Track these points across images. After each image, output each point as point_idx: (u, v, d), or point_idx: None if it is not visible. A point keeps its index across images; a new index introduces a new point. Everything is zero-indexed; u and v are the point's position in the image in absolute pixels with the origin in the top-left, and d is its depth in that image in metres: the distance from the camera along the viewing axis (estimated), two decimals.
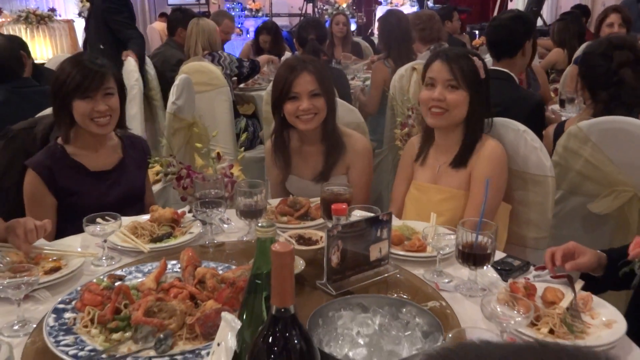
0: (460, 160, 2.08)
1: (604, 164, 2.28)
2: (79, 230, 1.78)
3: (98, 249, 1.73)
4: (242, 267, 1.45)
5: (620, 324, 1.31)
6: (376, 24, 9.39)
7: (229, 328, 0.93)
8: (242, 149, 2.38)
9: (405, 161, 2.28)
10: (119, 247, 1.75)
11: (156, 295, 1.29)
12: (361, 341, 1.09)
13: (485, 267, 1.54)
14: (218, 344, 0.95)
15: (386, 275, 1.58)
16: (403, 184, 2.27)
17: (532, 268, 1.64)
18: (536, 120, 2.72)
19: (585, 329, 1.32)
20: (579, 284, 1.48)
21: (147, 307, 1.24)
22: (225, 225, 1.97)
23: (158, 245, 1.76)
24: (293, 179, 2.35)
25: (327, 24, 5.66)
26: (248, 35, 11.14)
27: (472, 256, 1.50)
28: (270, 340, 0.91)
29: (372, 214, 1.60)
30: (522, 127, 2.18)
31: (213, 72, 3.96)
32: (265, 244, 1.00)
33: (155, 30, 8.86)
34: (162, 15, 9.30)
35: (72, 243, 1.78)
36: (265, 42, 5.67)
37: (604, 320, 1.33)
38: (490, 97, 2.14)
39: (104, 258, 1.69)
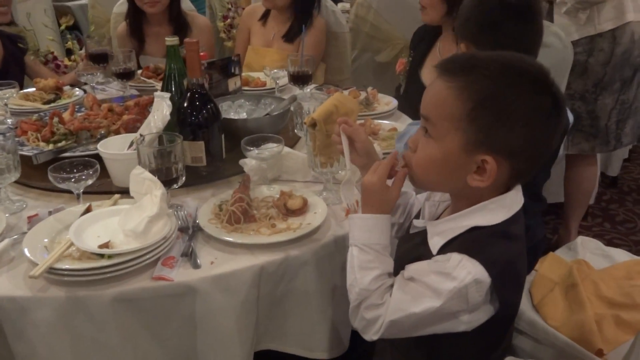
0: (291, 35, 2.69)
1: (384, 25, 3.08)
2: None
3: None
4: (134, 99, 1.93)
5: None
6: None
7: (161, 98, 1.46)
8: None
9: (244, 25, 2.86)
10: (18, 109, 2.09)
11: (83, 115, 1.74)
12: (240, 111, 1.70)
13: (309, 86, 2.20)
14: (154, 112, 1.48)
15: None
16: (242, 46, 2.84)
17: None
18: None
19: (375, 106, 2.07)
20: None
21: (80, 121, 1.69)
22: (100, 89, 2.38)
23: (52, 105, 2.13)
24: (146, 59, 2.78)
25: None
26: None
27: (300, 78, 2.16)
28: (191, 99, 1.46)
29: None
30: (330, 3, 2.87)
31: None
32: (173, 48, 1.53)
33: None
34: None
35: None
36: None
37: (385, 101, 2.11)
38: None
39: (8, 119, 2.03)
